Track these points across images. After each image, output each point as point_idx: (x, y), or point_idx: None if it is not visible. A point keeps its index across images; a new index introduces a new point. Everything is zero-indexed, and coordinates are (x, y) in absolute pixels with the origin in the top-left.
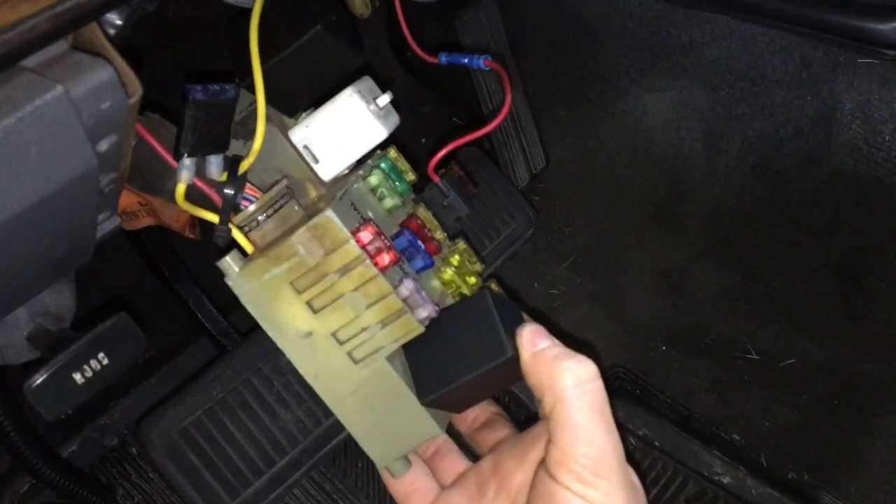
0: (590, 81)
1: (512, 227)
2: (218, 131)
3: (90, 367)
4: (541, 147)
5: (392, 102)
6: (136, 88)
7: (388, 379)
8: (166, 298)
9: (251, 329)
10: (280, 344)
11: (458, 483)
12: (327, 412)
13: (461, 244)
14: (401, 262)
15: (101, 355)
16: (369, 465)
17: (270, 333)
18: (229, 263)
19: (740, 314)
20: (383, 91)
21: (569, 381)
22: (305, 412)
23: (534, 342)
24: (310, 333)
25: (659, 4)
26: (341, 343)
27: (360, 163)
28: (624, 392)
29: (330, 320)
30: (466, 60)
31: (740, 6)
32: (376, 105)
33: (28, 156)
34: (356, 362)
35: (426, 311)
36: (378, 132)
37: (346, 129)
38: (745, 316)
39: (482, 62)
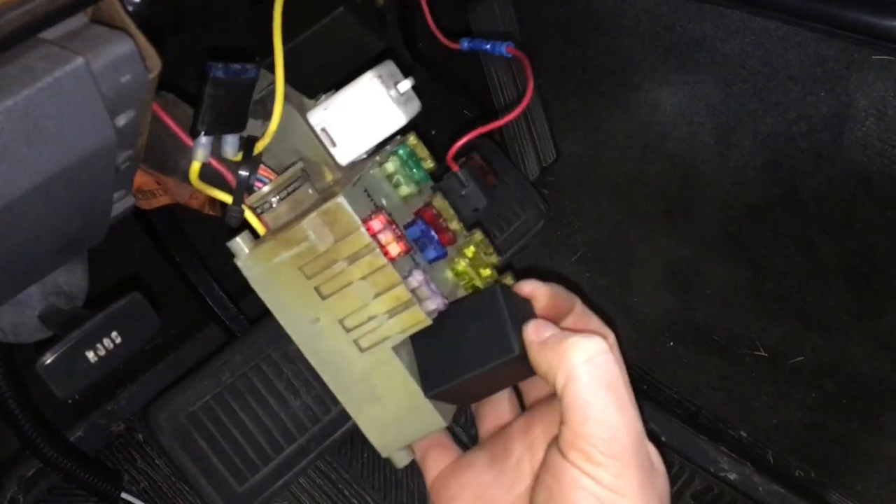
0: (602, 75)
1: (523, 219)
2: (236, 111)
3: (103, 345)
4: (551, 140)
5: (413, 88)
6: (156, 63)
7: (394, 369)
8: (176, 283)
9: (261, 315)
10: (287, 328)
11: (489, 440)
12: (336, 400)
13: (478, 235)
14: (412, 252)
15: (114, 334)
16: (375, 454)
17: (278, 317)
18: (240, 245)
19: (749, 311)
20: (405, 76)
21: (577, 358)
22: (314, 399)
23: (539, 334)
24: (317, 319)
25: None
26: (348, 331)
27: (379, 148)
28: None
29: (337, 307)
30: (489, 47)
31: (754, 1)
32: (397, 90)
33: (47, 127)
34: (362, 351)
35: (434, 304)
36: (397, 118)
37: (365, 113)
38: (754, 312)
39: (504, 49)
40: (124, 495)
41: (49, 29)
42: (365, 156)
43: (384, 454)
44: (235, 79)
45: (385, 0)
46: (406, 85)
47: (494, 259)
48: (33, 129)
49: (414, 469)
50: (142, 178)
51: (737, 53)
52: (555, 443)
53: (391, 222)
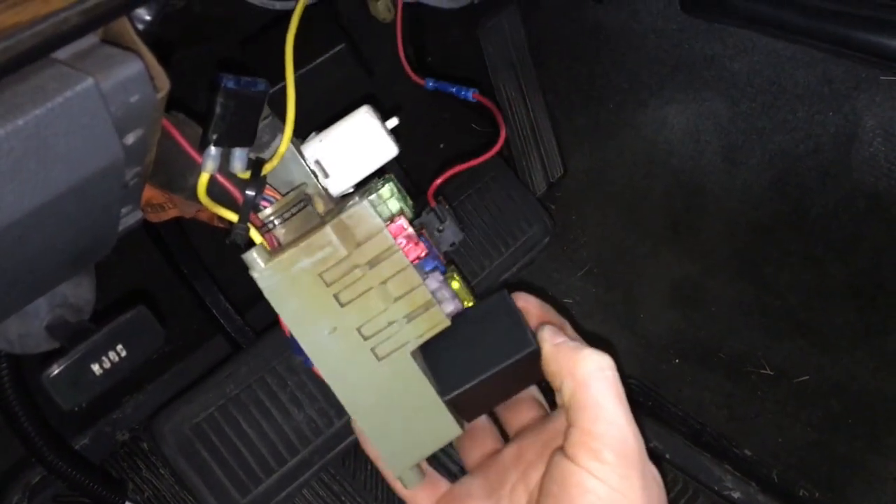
0: (610, 92)
1: (529, 235)
2: (245, 124)
3: (108, 358)
4: (559, 156)
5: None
6: (165, 83)
7: (411, 375)
8: (183, 295)
9: (266, 327)
10: (301, 340)
11: (480, 470)
12: (340, 412)
13: (454, 272)
14: (423, 260)
15: (119, 347)
16: (378, 468)
17: (293, 329)
18: (254, 257)
19: (755, 329)
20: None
21: (590, 366)
22: (318, 412)
23: (554, 337)
24: (334, 329)
25: (681, 17)
26: (366, 339)
27: (363, 183)
28: (635, 404)
29: (356, 314)
30: (454, 90)
31: (763, 20)
32: (385, 126)
33: (56, 146)
34: (379, 359)
35: (452, 305)
36: (390, 149)
37: (359, 145)
38: (760, 331)
39: (470, 95)
40: None
41: (60, 49)
42: (352, 189)
43: (396, 473)
44: (246, 91)
45: (394, 15)
46: (393, 122)
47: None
48: (44, 147)
49: None
50: (151, 192)
51: (745, 72)
52: (558, 452)
53: (411, 225)
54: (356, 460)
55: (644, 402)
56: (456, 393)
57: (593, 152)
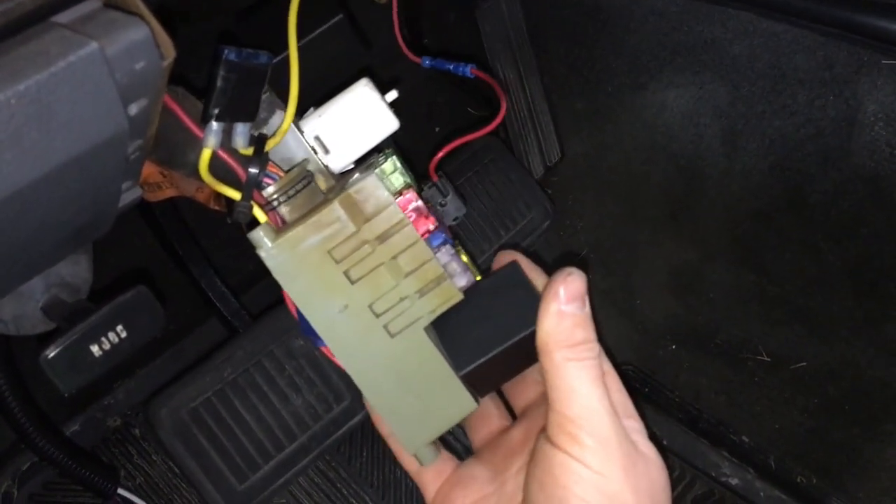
0: (608, 75)
1: (528, 219)
2: (248, 98)
3: (108, 339)
4: (556, 140)
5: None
6: (170, 51)
7: (425, 351)
8: (177, 278)
9: (263, 311)
10: (311, 319)
11: (487, 451)
12: (338, 398)
13: (459, 246)
14: (433, 233)
15: (119, 328)
16: (374, 454)
17: (302, 308)
18: (261, 235)
19: (752, 315)
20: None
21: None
22: (316, 397)
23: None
24: (346, 307)
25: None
26: (377, 316)
27: (364, 159)
28: (632, 390)
29: (367, 291)
30: (451, 67)
31: (764, 3)
32: (385, 99)
33: (59, 113)
34: (392, 336)
35: (465, 279)
36: (392, 122)
37: (359, 119)
38: (758, 317)
39: (468, 70)
40: (120, 491)
41: (62, 12)
42: (352, 166)
43: (412, 451)
44: (248, 63)
45: None
46: (393, 95)
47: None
48: (46, 114)
49: None
50: (148, 170)
51: (745, 55)
52: (542, 435)
53: (419, 199)
54: (351, 447)
55: (641, 389)
56: (472, 367)
57: (591, 136)
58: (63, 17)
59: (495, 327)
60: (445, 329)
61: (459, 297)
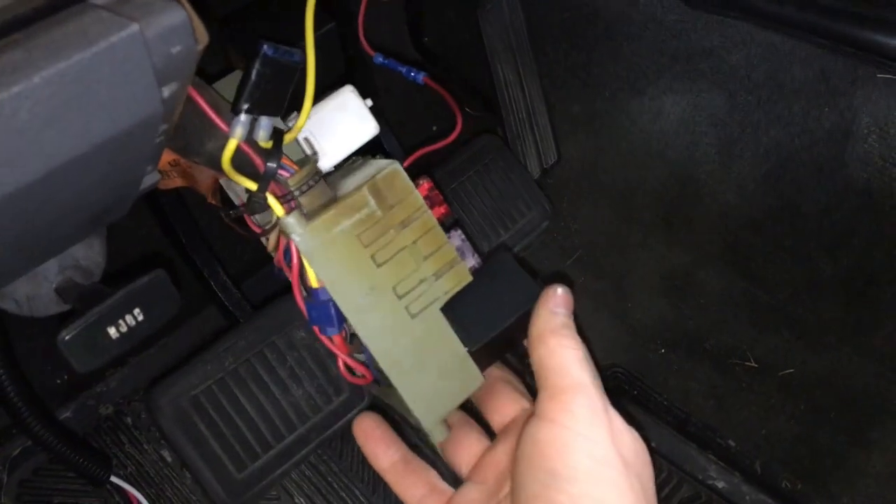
0: (606, 80)
1: (528, 218)
2: (278, 93)
3: (125, 322)
4: (553, 142)
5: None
6: (204, 36)
7: (442, 330)
8: (178, 266)
9: (264, 301)
10: (341, 301)
11: (479, 474)
12: (338, 390)
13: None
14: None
15: (136, 311)
16: None
17: (332, 290)
18: (293, 221)
19: (742, 321)
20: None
21: (560, 340)
22: (317, 389)
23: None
24: (372, 288)
25: (681, 7)
26: (400, 297)
27: (347, 160)
28: (622, 392)
29: (391, 274)
30: (403, 71)
31: (762, 14)
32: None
33: (98, 94)
34: (413, 316)
35: (473, 261)
36: (373, 126)
37: (344, 122)
38: (747, 323)
39: (420, 78)
40: (112, 479)
41: None
42: (333, 169)
43: (427, 426)
44: (283, 60)
45: None
46: (369, 102)
47: None
48: (85, 94)
49: None
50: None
51: (742, 65)
52: (529, 421)
53: (434, 187)
54: (343, 441)
55: (630, 391)
56: (481, 343)
57: (588, 140)
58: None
59: (497, 308)
60: (452, 311)
61: (469, 278)
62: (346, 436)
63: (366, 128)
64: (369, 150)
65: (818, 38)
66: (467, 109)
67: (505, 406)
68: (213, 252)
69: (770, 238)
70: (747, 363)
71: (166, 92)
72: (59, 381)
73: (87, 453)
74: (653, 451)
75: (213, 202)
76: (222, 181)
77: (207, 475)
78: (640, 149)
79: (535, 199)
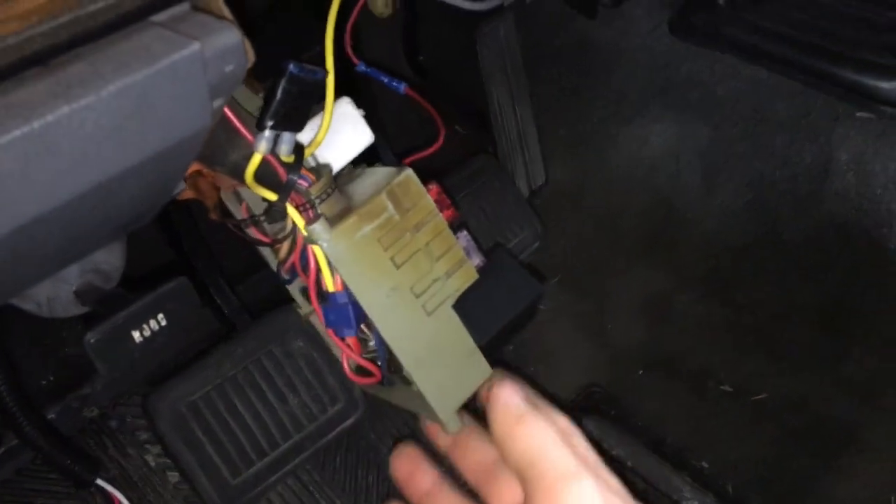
0: (595, 106)
1: (520, 238)
2: (301, 110)
3: (149, 326)
4: (542, 164)
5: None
6: (252, 55)
7: (454, 326)
8: (179, 272)
9: (262, 310)
10: (365, 302)
11: None
12: (333, 399)
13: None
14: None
15: (160, 316)
16: (347, 460)
17: (358, 292)
18: (319, 229)
19: (718, 346)
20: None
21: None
22: (312, 398)
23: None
24: (393, 289)
25: (670, 39)
26: (417, 296)
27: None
28: (599, 410)
29: (409, 274)
30: (385, 80)
31: (750, 49)
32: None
33: (158, 108)
34: (429, 314)
35: (478, 259)
36: (369, 136)
37: (343, 132)
38: (724, 348)
39: (401, 88)
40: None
41: (159, 13)
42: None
43: (443, 416)
44: (308, 78)
45: (392, 10)
46: (361, 112)
47: None
48: (146, 108)
49: (382, 475)
50: None
51: (728, 97)
52: None
53: (442, 191)
54: (325, 452)
55: (608, 411)
56: (490, 336)
57: (575, 163)
58: (159, 17)
59: (500, 301)
60: (461, 307)
61: (476, 276)
62: (329, 447)
63: (362, 137)
64: (364, 159)
65: (802, 75)
66: (457, 128)
67: (502, 492)
68: (214, 259)
69: (751, 266)
70: (722, 387)
71: (215, 106)
72: (44, 382)
73: (74, 454)
74: (629, 470)
75: (214, 217)
76: (226, 193)
77: (202, 480)
78: (626, 174)
79: (528, 220)
